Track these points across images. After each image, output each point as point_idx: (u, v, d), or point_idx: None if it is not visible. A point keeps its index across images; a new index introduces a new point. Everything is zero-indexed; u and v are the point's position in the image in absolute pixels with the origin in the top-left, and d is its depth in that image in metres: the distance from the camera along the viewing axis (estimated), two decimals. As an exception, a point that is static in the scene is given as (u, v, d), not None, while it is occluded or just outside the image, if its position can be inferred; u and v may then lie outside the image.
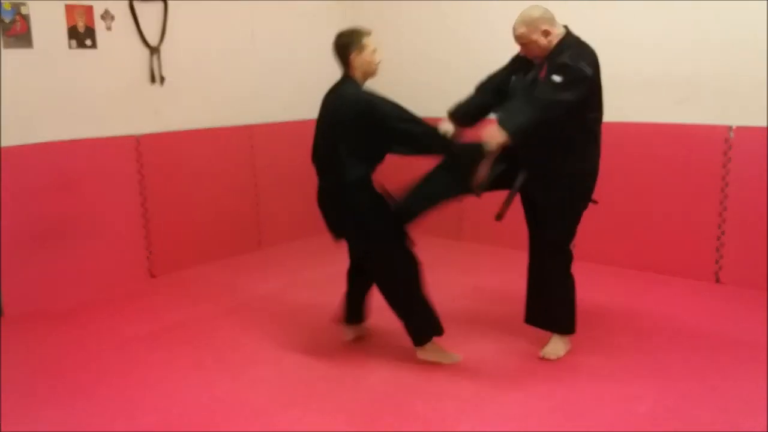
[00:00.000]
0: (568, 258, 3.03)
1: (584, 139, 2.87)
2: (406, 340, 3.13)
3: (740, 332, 3.29)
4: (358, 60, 2.92)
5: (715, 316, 3.53)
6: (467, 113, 3.09)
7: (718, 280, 4.02)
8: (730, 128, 3.89)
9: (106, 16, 4.13)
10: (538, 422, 2.52)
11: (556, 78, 2.66)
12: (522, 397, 2.71)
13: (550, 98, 2.67)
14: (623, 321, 3.50)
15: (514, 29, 2.80)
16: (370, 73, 2.99)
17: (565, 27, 2.88)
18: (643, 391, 2.72)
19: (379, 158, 2.93)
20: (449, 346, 3.08)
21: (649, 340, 3.23)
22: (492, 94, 3.05)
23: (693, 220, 4.07)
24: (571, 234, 3.02)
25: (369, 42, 2.92)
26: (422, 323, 3.00)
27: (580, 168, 2.90)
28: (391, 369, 3.00)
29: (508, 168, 2.92)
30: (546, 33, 2.76)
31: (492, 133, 2.69)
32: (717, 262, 4.01)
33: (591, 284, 4.08)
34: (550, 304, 3.05)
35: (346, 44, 2.93)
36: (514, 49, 4.66)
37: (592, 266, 4.41)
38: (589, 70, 2.69)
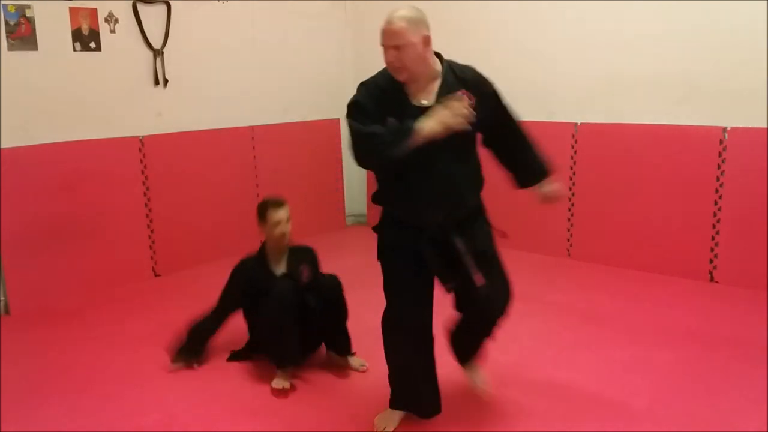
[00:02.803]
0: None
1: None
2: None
3: (736, 331, 3.33)
4: (261, 228, 3.06)
5: (710, 315, 3.57)
6: None
7: (712, 280, 4.07)
8: (724, 129, 3.94)
9: (110, 18, 4.18)
10: (536, 419, 2.57)
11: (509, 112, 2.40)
12: (519, 394, 2.75)
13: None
14: (619, 319, 3.54)
15: (391, 22, 2.15)
16: (273, 245, 3.05)
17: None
18: (639, 389, 2.76)
19: None
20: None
21: (644, 339, 3.27)
22: None
23: (688, 220, 4.12)
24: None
25: (273, 215, 2.98)
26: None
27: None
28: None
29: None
30: (426, 42, 2.18)
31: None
32: (711, 261, 4.07)
33: (586, 284, 4.14)
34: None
35: (257, 213, 3.08)
36: (515, 50, 4.74)
37: (587, 266, 4.47)
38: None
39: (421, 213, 2.29)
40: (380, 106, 2.20)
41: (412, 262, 2.32)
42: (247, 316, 3.17)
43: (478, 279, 2.29)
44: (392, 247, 2.37)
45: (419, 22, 2.16)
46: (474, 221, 2.38)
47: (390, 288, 2.39)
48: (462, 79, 2.25)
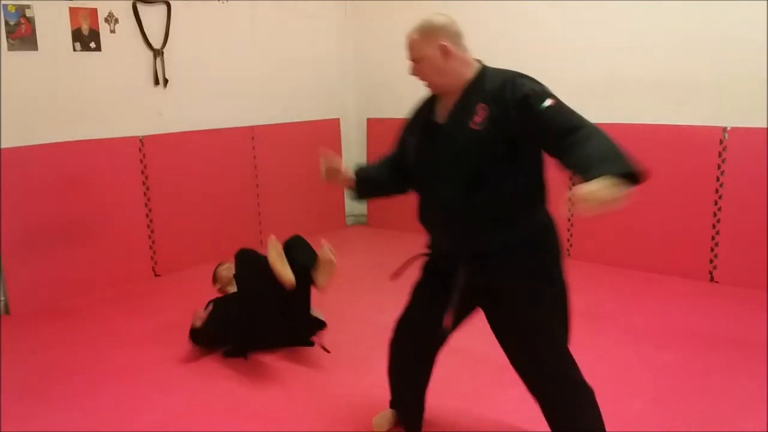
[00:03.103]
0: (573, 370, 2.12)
1: (533, 184, 2.06)
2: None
3: (736, 331, 3.33)
4: (217, 286, 3.63)
5: (710, 315, 3.57)
6: (368, 184, 2.33)
7: (712, 280, 4.07)
8: (724, 129, 3.94)
9: (110, 18, 4.18)
10: (535, 419, 2.56)
11: (548, 101, 1.87)
12: (519, 393, 2.73)
13: (587, 121, 1.87)
14: (619, 319, 3.53)
15: (408, 35, 2.08)
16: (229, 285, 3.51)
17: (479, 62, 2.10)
18: (639, 389, 2.76)
19: None
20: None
21: (645, 339, 3.27)
22: (390, 169, 2.29)
23: (688, 221, 4.12)
24: (562, 335, 2.11)
25: (218, 269, 3.63)
26: None
27: (535, 225, 2.07)
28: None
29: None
30: (445, 52, 2.00)
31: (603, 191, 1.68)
32: (711, 261, 4.07)
33: (586, 283, 4.13)
34: None
35: (212, 281, 3.68)
36: (515, 51, 4.73)
37: (587, 265, 4.46)
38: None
39: (432, 239, 2.20)
40: (413, 120, 2.20)
41: (431, 277, 2.25)
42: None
43: (446, 320, 2.09)
44: (426, 259, 2.28)
45: (435, 32, 2.01)
46: (506, 267, 2.02)
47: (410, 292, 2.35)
48: (485, 91, 1.98)
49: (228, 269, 3.53)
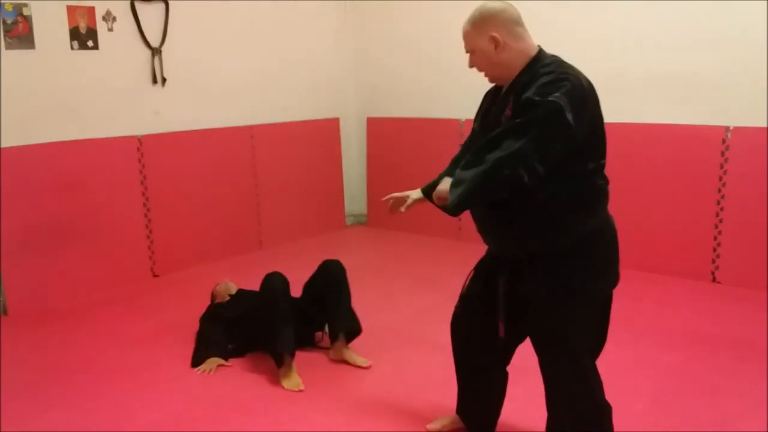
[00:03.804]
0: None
1: (573, 192, 1.89)
2: (406, 338, 3.15)
3: (737, 332, 3.32)
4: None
5: (712, 315, 3.56)
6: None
7: (714, 280, 4.05)
8: (727, 129, 3.93)
9: (108, 17, 4.16)
10: (535, 418, 2.55)
11: (527, 116, 1.78)
12: (520, 393, 2.73)
13: (496, 157, 1.78)
14: (620, 320, 3.50)
15: (462, 27, 1.99)
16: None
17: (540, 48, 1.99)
18: (640, 389, 2.75)
19: None
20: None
21: (646, 339, 3.26)
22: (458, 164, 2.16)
23: (690, 220, 4.10)
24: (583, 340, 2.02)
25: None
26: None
27: (574, 236, 1.92)
28: (393, 365, 3.04)
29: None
30: (494, 42, 1.89)
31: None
32: (713, 261, 4.05)
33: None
34: None
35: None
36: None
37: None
38: (563, 101, 1.75)
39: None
40: (481, 106, 2.12)
41: (478, 276, 2.23)
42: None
43: (500, 329, 2.09)
44: (482, 257, 2.26)
45: (486, 22, 1.90)
46: (535, 277, 1.96)
47: None
48: (520, 83, 1.90)
49: (224, 286, 3.52)
